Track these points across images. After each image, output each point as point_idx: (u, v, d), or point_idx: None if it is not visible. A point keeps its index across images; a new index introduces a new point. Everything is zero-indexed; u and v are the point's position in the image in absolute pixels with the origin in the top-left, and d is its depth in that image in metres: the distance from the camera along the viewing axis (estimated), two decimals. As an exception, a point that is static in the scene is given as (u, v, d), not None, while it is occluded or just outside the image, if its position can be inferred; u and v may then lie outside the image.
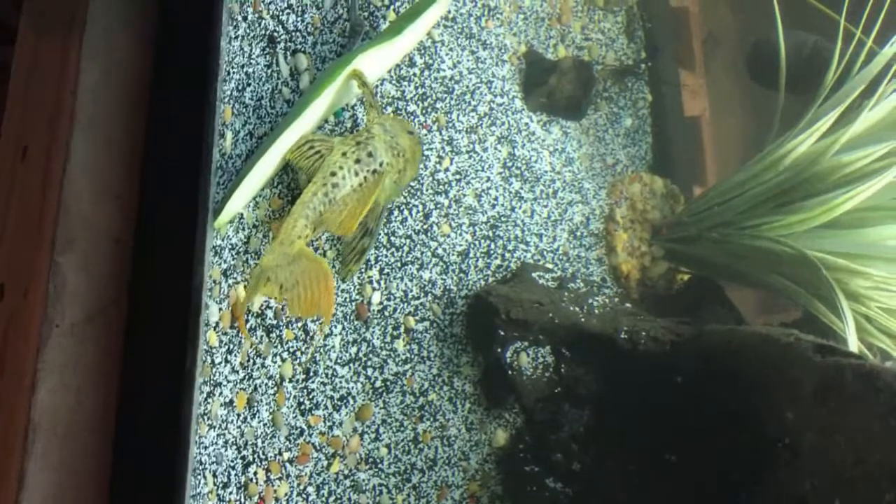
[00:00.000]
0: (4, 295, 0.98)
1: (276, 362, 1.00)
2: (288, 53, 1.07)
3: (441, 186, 1.19)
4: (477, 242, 1.22)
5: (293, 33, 1.08)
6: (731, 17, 1.91)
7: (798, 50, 1.43)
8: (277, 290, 0.95)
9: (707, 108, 1.73)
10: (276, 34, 1.06)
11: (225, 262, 0.98)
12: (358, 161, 1.01)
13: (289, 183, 1.05)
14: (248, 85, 1.02)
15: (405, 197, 1.15)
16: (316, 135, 1.02)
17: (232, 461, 0.94)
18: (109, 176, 1.00)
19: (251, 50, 1.03)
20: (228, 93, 1.00)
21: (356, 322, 1.08)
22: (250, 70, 1.03)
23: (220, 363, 0.96)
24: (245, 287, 0.98)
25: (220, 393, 0.95)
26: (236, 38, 1.02)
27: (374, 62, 1.06)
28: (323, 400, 1.04)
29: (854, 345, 1.17)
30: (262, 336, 0.99)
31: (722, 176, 1.69)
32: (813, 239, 1.28)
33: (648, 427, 1.17)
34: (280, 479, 0.98)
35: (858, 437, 0.91)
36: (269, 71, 1.05)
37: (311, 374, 1.03)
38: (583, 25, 1.50)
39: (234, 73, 1.01)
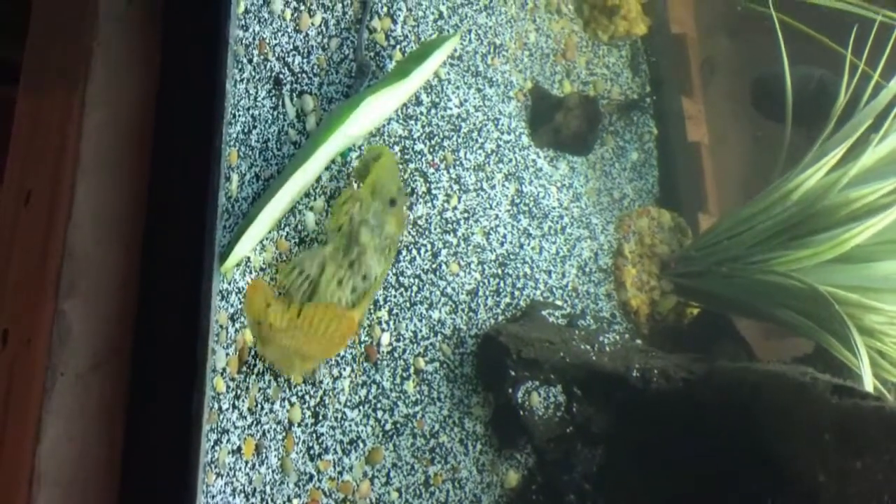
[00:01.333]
0: (7, 342, 0.97)
1: (284, 406, 0.99)
2: (294, 95, 1.06)
3: (449, 225, 1.19)
4: (486, 281, 1.21)
5: (299, 75, 1.07)
6: (728, 44, 1.92)
7: (804, 84, 1.43)
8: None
9: (706, 134, 1.73)
10: (281, 76, 1.05)
11: (232, 306, 0.96)
12: (354, 290, 1.00)
13: (296, 225, 1.04)
14: (254, 127, 1.02)
15: (413, 237, 1.14)
16: (303, 254, 1.00)
17: (240, 510, 0.93)
18: (114, 221, 0.99)
19: (257, 92, 1.03)
20: (234, 136, 1.00)
21: (365, 364, 1.07)
22: (256, 112, 1.02)
23: (227, 409, 0.94)
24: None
25: (228, 440, 0.94)
26: (241, 80, 1.02)
27: (382, 103, 1.06)
28: (332, 444, 1.02)
29: (869, 381, 1.15)
30: (269, 381, 0.98)
31: (723, 203, 1.69)
32: (824, 273, 1.27)
33: (662, 467, 1.15)
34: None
35: (879, 481, 0.89)
36: (275, 113, 1.04)
37: (321, 417, 1.02)
38: (587, 60, 1.50)
39: (239, 115, 1.01)
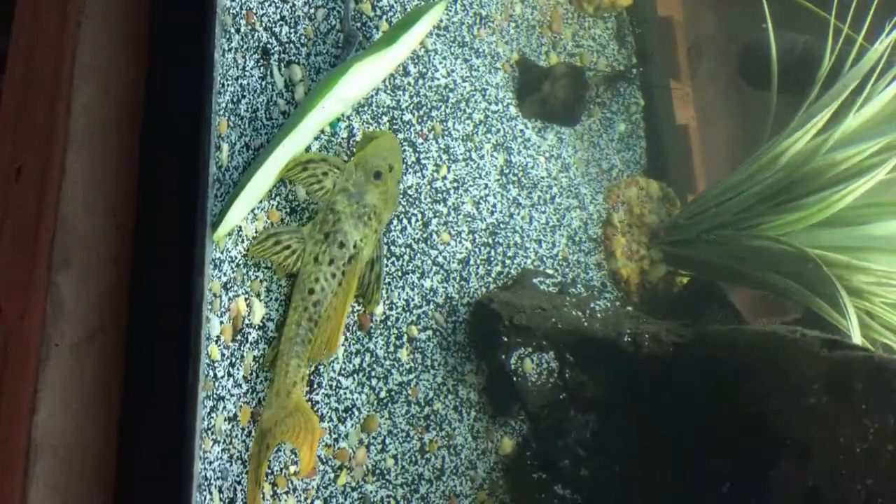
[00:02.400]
0: (2, 316, 0.97)
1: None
2: (282, 65, 1.06)
3: (439, 195, 1.19)
4: (477, 250, 1.21)
5: (287, 45, 1.07)
6: (715, 26, 1.92)
7: (789, 50, 1.44)
8: (274, 447, 0.94)
9: (694, 116, 1.74)
10: (269, 46, 1.06)
11: (225, 274, 0.97)
12: (332, 261, 1.00)
13: (286, 194, 1.04)
14: (243, 97, 1.02)
15: (404, 206, 1.15)
16: (280, 227, 1.00)
17: (237, 476, 0.93)
18: (106, 193, 0.99)
19: (245, 62, 1.03)
20: (223, 105, 1.00)
21: (359, 333, 1.07)
22: (245, 82, 1.02)
23: (222, 377, 0.94)
24: (249, 456, 0.94)
25: (224, 407, 0.94)
26: (230, 50, 1.02)
27: (369, 72, 1.06)
28: (328, 412, 1.03)
29: (858, 341, 1.16)
30: (264, 349, 0.98)
31: (710, 179, 1.70)
32: (812, 236, 1.28)
33: (655, 430, 1.16)
34: (287, 492, 0.97)
35: (869, 429, 0.91)
36: (264, 83, 1.04)
37: (315, 385, 1.02)
38: (573, 32, 1.50)
39: (228, 85, 1.01)
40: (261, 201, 1.01)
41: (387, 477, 1.06)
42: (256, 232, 1.00)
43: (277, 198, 1.03)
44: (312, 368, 1.02)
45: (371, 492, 1.04)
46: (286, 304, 1.00)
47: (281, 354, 0.97)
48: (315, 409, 1.01)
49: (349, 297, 1.00)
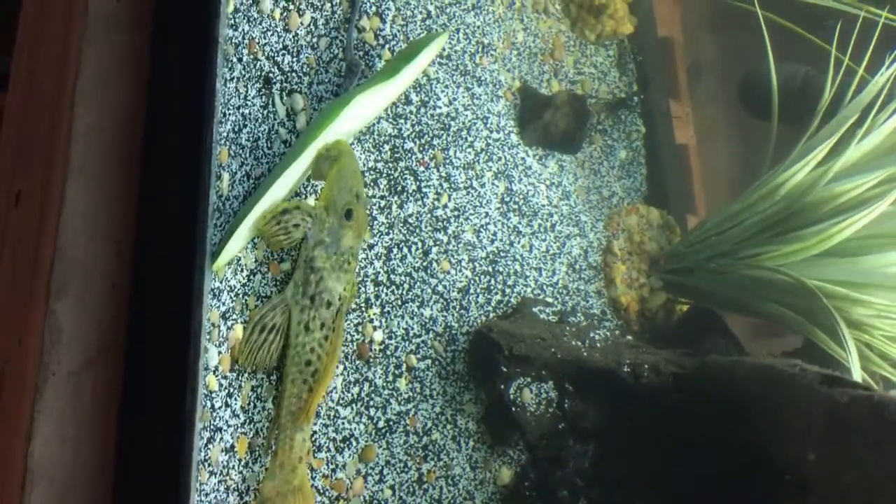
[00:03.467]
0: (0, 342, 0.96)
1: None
2: (284, 94, 1.07)
3: (440, 223, 1.19)
4: (477, 278, 1.21)
5: (289, 74, 1.08)
6: (715, 47, 1.93)
7: (790, 81, 1.44)
8: None
9: (693, 136, 1.74)
10: (271, 75, 1.06)
11: (223, 304, 0.96)
12: (323, 325, 0.97)
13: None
14: (245, 126, 1.02)
15: (404, 235, 1.15)
16: (261, 309, 0.97)
17: (234, 508, 0.93)
18: (105, 220, 0.99)
19: (247, 91, 1.03)
20: (224, 134, 1.00)
21: (358, 362, 1.07)
22: (246, 111, 1.03)
23: (220, 408, 0.94)
24: None
25: (221, 438, 0.93)
26: (231, 79, 1.02)
27: (371, 104, 1.06)
28: (325, 442, 1.02)
29: (858, 373, 1.16)
30: (262, 379, 0.98)
31: (710, 203, 1.70)
32: (811, 268, 1.28)
33: (654, 461, 1.16)
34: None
35: (868, 468, 0.90)
36: (266, 112, 1.04)
37: (313, 415, 1.01)
38: (575, 60, 1.51)
39: (229, 114, 1.01)
40: (261, 230, 1.01)
41: (384, 508, 1.06)
42: (256, 261, 1.00)
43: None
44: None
45: (368, 523, 1.04)
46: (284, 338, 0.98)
47: (283, 428, 0.95)
48: (313, 439, 1.01)
49: (335, 358, 0.98)
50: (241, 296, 0.98)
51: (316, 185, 1.07)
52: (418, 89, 1.21)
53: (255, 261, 1.00)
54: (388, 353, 1.10)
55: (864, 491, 0.91)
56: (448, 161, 1.22)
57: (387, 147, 1.16)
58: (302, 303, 0.98)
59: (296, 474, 0.94)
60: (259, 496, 0.93)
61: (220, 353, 0.95)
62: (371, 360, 1.08)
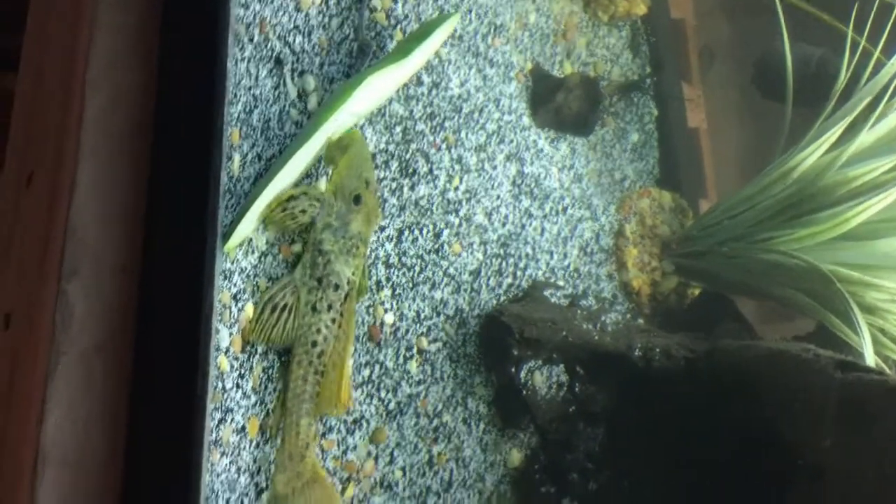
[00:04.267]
0: (10, 324, 0.97)
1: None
2: (295, 75, 1.06)
3: (451, 206, 1.18)
4: (488, 261, 1.21)
5: (300, 54, 1.07)
6: (727, 29, 1.91)
7: (805, 63, 1.43)
8: None
9: (705, 120, 1.73)
10: (282, 55, 1.05)
11: (235, 286, 0.96)
12: (330, 307, 0.97)
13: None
14: (256, 107, 1.02)
15: (415, 217, 1.14)
16: (271, 289, 0.97)
17: (245, 488, 0.93)
18: (116, 202, 0.98)
19: (258, 72, 1.03)
20: (235, 115, 1.00)
21: (368, 344, 1.07)
22: (257, 92, 1.02)
23: (231, 388, 0.94)
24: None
25: (232, 419, 0.94)
26: (242, 60, 1.02)
27: (382, 85, 1.06)
28: (336, 423, 1.02)
29: (871, 358, 1.15)
30: (273, 360, 0.98)
31: (721, 187, 1.69)
32: (825, 252, 1.27)
33: (665, 445, 1.16)
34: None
35: (882, 453, 0.90)
36: (277, 93, 1.04)
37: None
38: (588, 41, 1.50)
39: (240, 95, 1.00)
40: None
41: (395, 489, 1.06)
42: (267, 243, 0.99)
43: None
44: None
45: (379, 504, 1.04)
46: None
47: (289, 413, 0.94)
48: (323, 420, 1.01)
49: (350, 342, 0.98)
50: (252, 277, 0.98)
51: (328, 169, 1.06)
52: (430, 70, 1.21)
53: (267, 242, 1.00)
54: (399, 335, 1.10)
55: (877, 476, 0.90)
56: (460, 143, 1.22)
57: (398, 129, 1.15)
58: (309, 284, 0.98)
59: (305, 464, 0.93)
60: (272, 490, 0.93)
61: (231, 334, 0.95)
62: (382, 342, 1.08)
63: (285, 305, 0.97)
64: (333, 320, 0.97)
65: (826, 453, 0.93)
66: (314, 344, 0.96)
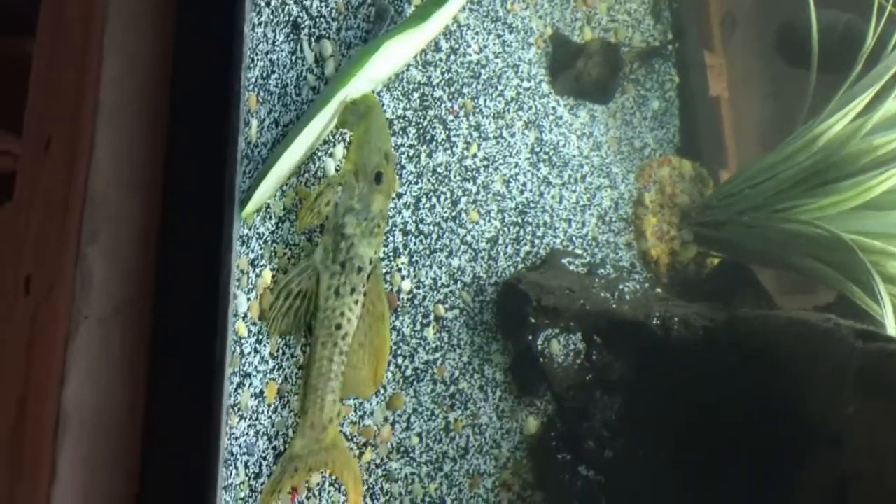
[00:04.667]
0: (30, 289, 0.97)
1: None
2: (312, 40, 1.05)
3: (469, 173, 1.18)
4: (506, 229, 1.20)
5: (317, 19, 1.06)
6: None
7: (831, 28, 1.40)
8: (305, 474, 0.93)
9: (726, 88, 1.71)
10: (300, 20, 1.04)
11: (252, 251, 0.96)
12: (353, 290, 0.96)
13: (315, 171, 1.03)
14: (273, 72, 1.01)
15: (433, 184, 1.14)
16: (290, 274, 0.96)
17: (263, 452, 0.94)
18: (134, 166, 0.98)
19: (275, 36, 1.02)
20: (253, 80, 0.99)
21: (386, 311, 1.07)
22: (274, 57, 1.01)
23: (249, 353, 0.95)
24: (270, 477, 0.93)
25: (251, 384, 0.94)
26: (259, 24, 1.01)
27: (400, 51, 1.05)
28: (371, 399, 1.02)
29: (892, 328, 1.14)
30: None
31: (741, 157, 1.67)
32: (847, 221, 1.25)
33: (681, 414, 1.16)
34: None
35: (902, 423, 0.89)
36: (294, 58, 1.03)
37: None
38: (609, 7, 1.48)
39: (258, 60, 1.00)
40: (290, 177, 1.00)
41: (411, 455, 1.06)
42: (285, 208, 0.99)
43: (307, 174, 1.03)
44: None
45: (395, 469, 1.04)
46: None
47: (313, 389, 0.94)
48: (351, 401, 1.01)
49: (380, 321, 0.97)
50: (269, 243, 0.98)
51: (345, 134, 1.06)
52: (448, 36, 1.19)
53: (284, 208, 1.00)
54: (416, 302, 1.10)
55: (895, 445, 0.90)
56: (478, 110, 1.21)
57: (416, 95, 1.14)
58: (332, 269, 0.97)
59: (326, 434, 0.94)
60: (289, 451, 0.94)
61: (248, 299, 0.95)
62: (399, 309, 1.08)
63: (300, 292, 0.96)
64: (357, 302, 0.97)
65: (845, 422, 0.92)
66: (338, 327, 0.96)
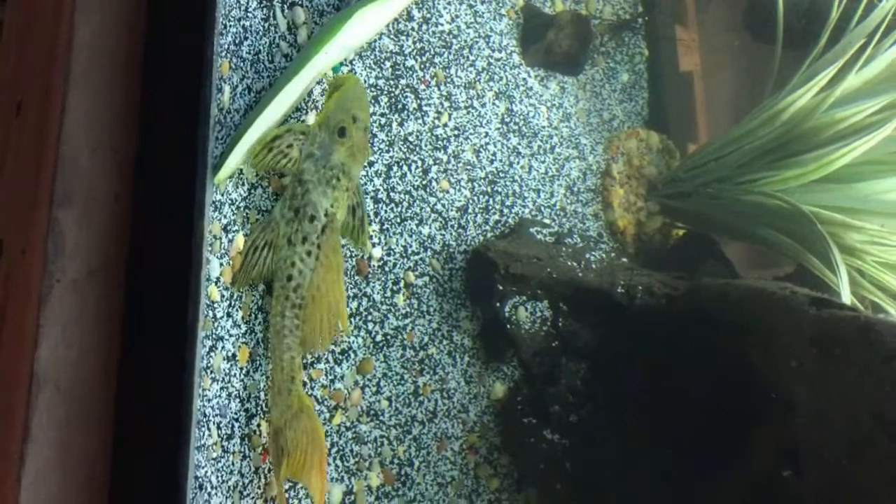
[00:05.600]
0: (3, 251, 0.97)
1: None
2: (285, 7, 1.06)
3: (440, 142, 1.19)
4: (476, 198, 1.22)
5: (290, -14, 1.07)
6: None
7: (797, 4, 1.43)
8: (286, 460, 0.93)
9: (699, 63, 1.73)
10: (272, -13, 1.05)
11: (225, 217, 0.97)
12: (305, 239, 0.95)
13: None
14: (246, 39, 1.02)
15: (404, 153, 1.15)
16: (256, 229, 0.96)
17: (235, 413, 0.95)
18: (106, 131, 0.99)
19: (248, 3, 1.02)
20: (225, 46, 1.00)
21: (356, 277, 1.09)
22: (247, 24, 1.02)
23: (221, 317, 0.96)
24: (271, 462, 0.95)
25: (223, 347, 0.96)
26: (233, -10, 1.01)
27: (373, 19, 1.05)
28: (324, 353, 1.04)
29: (847, 298, 1.18)
30: (263, 291, 1.00)
31: (712, 131, 1.70)
32: (808, 194, 1.29)
33: (644, 380, 1.19)
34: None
35: (852, 387, 0.93)
36: (267, 25, 1.04)
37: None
38: (580, -21, 1.49)
39: (230, 26, 1.00)
40: (262, 144, 1.01)
41: (380, 418, 1.09)
42: (256, 175, 1.00)
43: (278, 141, 1.03)
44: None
45: (365, 432, 1.07)
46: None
47: (272, 349, 0.95)
48: (312, 352, 1.03)
49: (338, 274, 0.97)
50: (242, 209, 0.99)
51: (318, 102, 1.07)
52: (420, 5, 1.20)
53: (256, 175, 1.01)
54: (387, 269, 1.12)
55: (847, 409, 0.93)
56: (449, 80, 1.22)
57: (388, 64, 1.15)
58: (287, 216, 0.97)
59: (292, 397, 0.95)
60: (271, 427, 0.95)
61: (221, 264, 0.96)
62: (370, 275, 1.10)
63: (266, 243, 0.96)
64: (309, 253, 0.96)
65: (799, 387, 0.95)
66: (289, 278, 0.96)
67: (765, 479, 0.98)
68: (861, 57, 1.26)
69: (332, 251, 0.98)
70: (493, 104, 1.27)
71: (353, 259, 1.09)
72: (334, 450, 1.04)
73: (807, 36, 1.40)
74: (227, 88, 0.99)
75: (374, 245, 1.11)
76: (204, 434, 0.91)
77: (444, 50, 1.22)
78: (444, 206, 1.19)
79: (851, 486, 0.89)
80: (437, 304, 1.16)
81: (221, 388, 0.95)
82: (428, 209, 1.17)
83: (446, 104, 1.21)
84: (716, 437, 1.08)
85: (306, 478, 0.94)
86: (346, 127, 0.99)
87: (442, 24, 1.22)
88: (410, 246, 1.14)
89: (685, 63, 1.69)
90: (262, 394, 0.98)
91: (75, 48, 0.98)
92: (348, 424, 1.06)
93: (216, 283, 0.96)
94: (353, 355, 1.07)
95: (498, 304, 1.17)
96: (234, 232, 0.98)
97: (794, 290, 1.01)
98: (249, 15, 1.02)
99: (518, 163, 1.29)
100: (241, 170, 0.99)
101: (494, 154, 1.26)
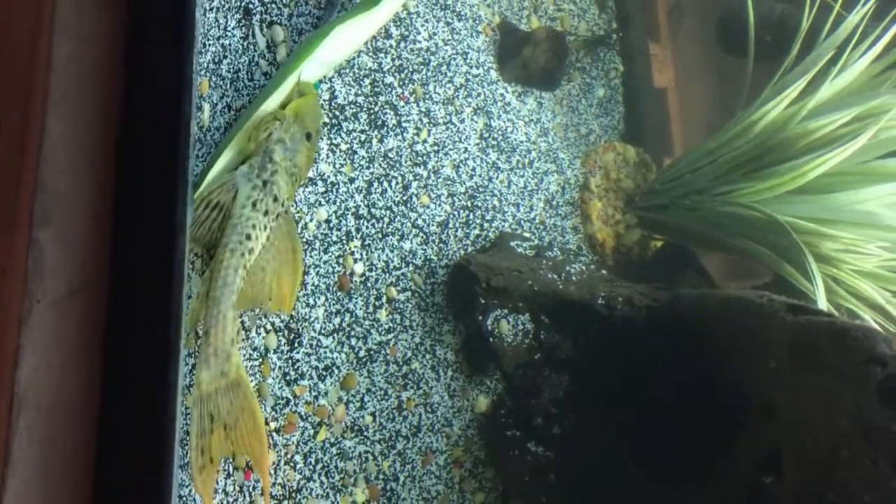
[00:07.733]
0: (-17, 271, 0.97)
1: (260, 334, 1.01)
2: (264, 25, 1.06)
3: (420, 158, 1.20)
4: (456, 213, 1.23)
5: (269, 5, 1.07)
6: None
7: (766, 18, 1.45)
8: (226, 438, 0.90)
9: (673, 79, 1.76)
10: (251, 6, 1.06)
11: (206, 234, 0.98)
12: (267, 213, 0.97)
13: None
14: (225, 57, 1.02)
15: (384, 169, 1.16)
16: (212, 185, 0.96)
17: (219, 432, 0.95)
18: (86, 151, 0.99)
19: (227, 22, 1.03)
20: (205, 65, 1.00)
21: (339, 293, 1.09)
22: (226, 42, 1.03)
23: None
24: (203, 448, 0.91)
25: (206, 365, 0.95)
26: (211, 9, 1.02)
27: (351, 36, 1.06)
28: (308, 370, 1.04)
29: (823, 305, 1.19)
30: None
31: (687, 144, 1.72)
32: (784, 205, 1.30)
33: (626, 390, 1.19)
34: (267, 448, 0.99)
35: (829, 392, 0.94)
36: (246, 43, 1.04)
37: (296, 345, 1.04)
38: (555, -4, 1.51)
39: (210, 45, 1.01)
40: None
41: (365, 433, 1.09)
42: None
43: (259, 158, 1.04)
44: (293, 328, 1.04)
45: (349, 447, 1.07)
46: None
47: (216, 302, 0.92)
48: (296, 367, 1.03)
49: (297, 257, 0.98)
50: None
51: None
52: (398, 23, 1.21)
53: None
54: (369, 284, 1.12)
55: (825, 414, 0.94)
56: (428, 96, 1.23)
57: (367, 81, 1.16)
58: (255, 182, 0.97)
59: (230, 363, 0.91)
60: (196, 391, 0.91)
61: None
62: (352, 291, 1.10)
63: (219, 203, 0.96)
64: (266, 227, 0.97)
65: (777, 393, 0.97)
66: (248, 237, 0.95)
67: (746, 486, 0.99)
68: (832, 69, 1.29)
69: (287, 236, 0.98)
70: (472, 120, 1.29)
71: (336, 275, 1.09)
72: (319, 466, 1.04)
73: (777, 49, 1.42)
74: (206, 107, 0.99)
75: (355, 261, 1.11)
76: (187, 452, 0.91)
77: (422, 67, 1.23)
78: (424, 221, 1.19)
79: (832, 489, 0.90)
80: (419, 318, 1.16)
81: (204, 406, 0.94)
82: (409, 224, 1.17)
83: (425, 120, 1.22)
84: (698, 446, 1.09)
85: (247, 449, 0.91)
86: (313, 135, 1.01)
87: (420, 42, 1.24)
88: (392, 261, 1.15)
89: (659, 78, 1.71)
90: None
91: (54, 68, 0.98)
92: (333, 440, 1.05)
93: (198, 299, 0.96)
94: (336, 371, 1.07)
95: (480, 318, 1.17)
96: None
97: (771, 298, 1.03)
98: (229, 34, 1.03)
99: (497, 177, 1.30)
100: (222, 187, 0.99)
101: (474, 169, 1.27)
